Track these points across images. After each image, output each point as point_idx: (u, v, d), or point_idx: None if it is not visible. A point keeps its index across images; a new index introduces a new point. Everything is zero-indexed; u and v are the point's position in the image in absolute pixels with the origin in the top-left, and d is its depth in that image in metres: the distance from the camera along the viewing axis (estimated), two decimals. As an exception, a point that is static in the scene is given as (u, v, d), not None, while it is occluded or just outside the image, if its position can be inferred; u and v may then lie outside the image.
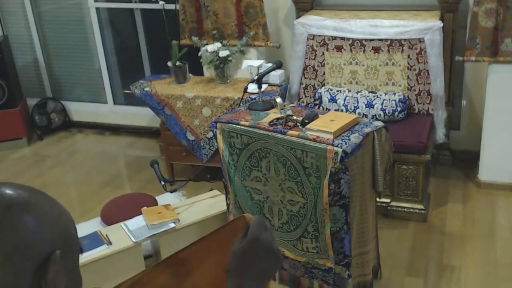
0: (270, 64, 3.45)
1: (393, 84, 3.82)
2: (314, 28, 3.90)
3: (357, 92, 3.83)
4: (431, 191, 3.90)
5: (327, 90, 3.90)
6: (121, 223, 3.22)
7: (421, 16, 3.84)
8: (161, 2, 4.27)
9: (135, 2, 5.04)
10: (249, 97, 3.69)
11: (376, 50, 3.79)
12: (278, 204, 2.87)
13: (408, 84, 3.79)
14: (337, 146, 2.53)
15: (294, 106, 3.13)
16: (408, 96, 3.79)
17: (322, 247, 2.73)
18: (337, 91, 3.88)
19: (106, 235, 3.11)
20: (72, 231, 0.90)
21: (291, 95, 4.11)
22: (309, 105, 4.03)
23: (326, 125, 2.65)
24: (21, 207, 0.83)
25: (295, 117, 2.81)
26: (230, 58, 4.05)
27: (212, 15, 4.19)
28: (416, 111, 3.83)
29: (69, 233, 0.89)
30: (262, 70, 3.46)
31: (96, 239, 3.07)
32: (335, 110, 3.76)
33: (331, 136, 2.58)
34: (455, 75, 4.03)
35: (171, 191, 3.58)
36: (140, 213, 3.26)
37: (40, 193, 0.88)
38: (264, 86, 3.75)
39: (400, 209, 3.62)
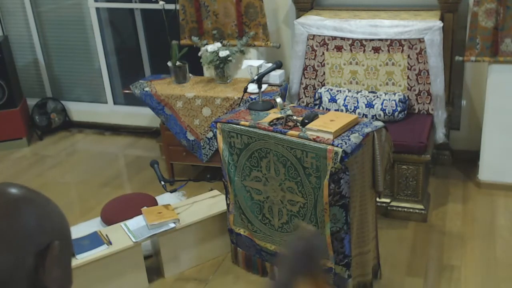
0: (270, 64, 3.45)
1: (393, 84, 3.82)
2: (314, 28, 3.90)
3: (357, 92, 3.83)
4: (431, 191, 3.90)
5: (327, 90, 3.90)
6: (121, 223, 3.22)
7: (421, 16, 3.84)
8: (161, 2, 4.27)
9: (135, 2, 5.04)
10: (249, 97, 3.69)
11: (376, 50, 3.80)
12: (278, 204, 2.87)
13: (408, 84, 3.79)
14: (337, 146, 2.53)
15: (294, 106, 3.13)
16: (408, 96, 3.79)
17: (322, 247, 2.73)
18: (337, 91, 3.88)
19: (106, 235, 3.11)
20: (67, 231, 1.02)
21: (291, 95, 4.11)
22: (309, 105, 4.03)
23: (326, 125, 2.65)
24: (26, 201, 0.96)
25: (295, 117, 2.81)
26: (230, 58, 4.05)
27: (212, 15, 4.19)
28: (416, 111, 3.83)
29: (65, 231, 1.01)
30: (262, 70, 3.46)
31: (96, 239, 3.07)
32: (335, 110, 3.76)
33: (331, 136, 2.58)
34: (455, 75, 4.02)
35: (171, 191, 3.58)
36: (140, 213, 3.26)
37: (41, 194, 1.00)
38: (264, 86, 3.75)
39: (400, 209, 3.62)
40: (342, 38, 3.85)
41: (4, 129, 5.06)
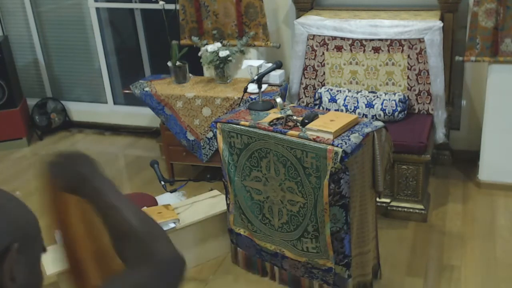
0: (270, 64, 3.45)
1: (393, 84, 3.82)
2: (314, 28, 3.90)
3: (357, 92, 3.83)
4: (431, 191, 3.90)
5: (327, 90, 3.90)
6: (121, 223, 3.22)
7: (421, 16, 3.84)
8: (161, 2, 4.27)
9: (135, 2, 5.04)
10: (249, 97, 3.69)
11: (376, 50, 3.79)
12: (278, 204, 2.87)
13: (408, 84, 3.78)
14: (337, 146, 2.53)
15: (294, 106, 3.13)
16: (408, 96, 3.78)
17: (322, 247, 2.73)
18: (337, 91, 3.88)
19: (106, 235, 3.11)
20: (33, 230, 0.98)
21: (291, 95, 4.11)
22: (309, 105, 4.03)
23: (326, 125, 2.65)
24: None
25: (295, 117, 2.81)
26: (230, 58, 4.05)
27: (212, 15, 4.19)
28: (416, 111, 3.83)
29: (30, 231, 0.97)
30: (262, 70, 3.46)
31: (96, 239, 3.06)
32: (335, 110, 3.76)
33: (331, 136, 2.58)
34: (455, 75, 4.02)
35: (171, 191, 3.58)
36: (140, 213, 3.25)
37: (5, 194, 0.97)
38: (264, 86, 3.75)
39: (400, 209, 3.62)
40: (342, 38, 3.85)
41: (4, 129, 5.06)
